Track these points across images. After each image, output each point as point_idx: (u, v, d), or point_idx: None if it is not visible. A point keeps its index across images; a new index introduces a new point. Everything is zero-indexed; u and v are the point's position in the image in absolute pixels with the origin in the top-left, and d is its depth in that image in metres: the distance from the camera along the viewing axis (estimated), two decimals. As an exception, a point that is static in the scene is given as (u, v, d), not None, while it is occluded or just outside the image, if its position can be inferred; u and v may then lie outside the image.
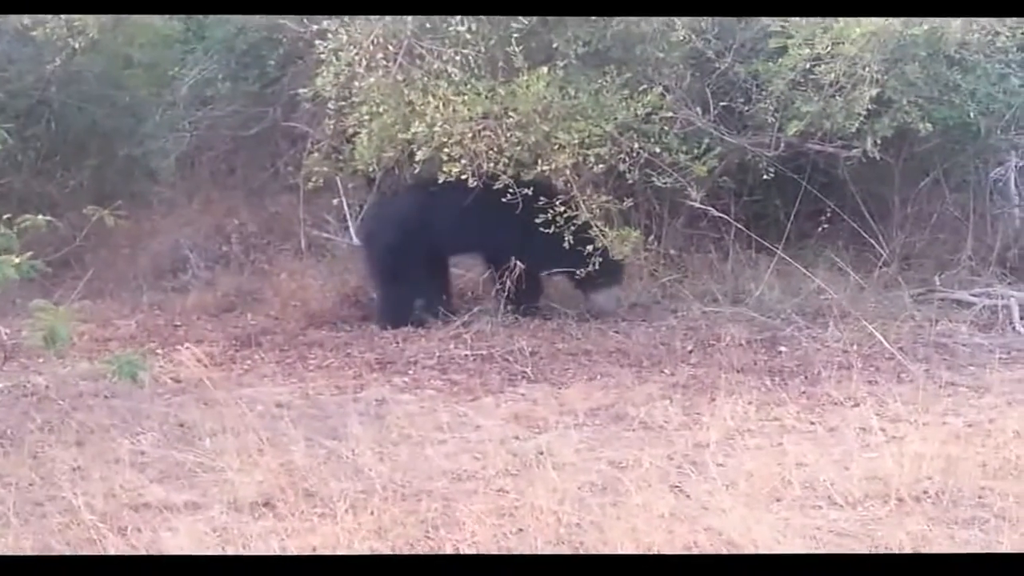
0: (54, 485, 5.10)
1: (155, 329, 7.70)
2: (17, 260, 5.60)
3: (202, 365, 6.80)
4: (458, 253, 8.03)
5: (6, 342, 6.74)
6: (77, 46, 8.32)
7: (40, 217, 5.97)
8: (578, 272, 7.33)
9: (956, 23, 7.14)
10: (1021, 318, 7.30)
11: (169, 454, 5.57)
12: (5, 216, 5.88)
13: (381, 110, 7.45)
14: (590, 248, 7.19)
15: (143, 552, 4.51)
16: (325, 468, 5.30)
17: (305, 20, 7.97)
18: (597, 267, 7.32)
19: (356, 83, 7.53)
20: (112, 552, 4.47)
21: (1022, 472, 5.09)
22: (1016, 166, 7.98)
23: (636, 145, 7.38)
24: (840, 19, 7.24)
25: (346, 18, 7.68)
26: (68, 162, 9.39)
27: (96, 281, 8.38)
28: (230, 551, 4.52)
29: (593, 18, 7.57)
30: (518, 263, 7.34)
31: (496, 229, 7.55)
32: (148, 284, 8.52)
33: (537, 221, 7.27)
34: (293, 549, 4.49)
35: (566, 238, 7.22)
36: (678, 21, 7.50)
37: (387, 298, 7.75)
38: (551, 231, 7.26)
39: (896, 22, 7.14)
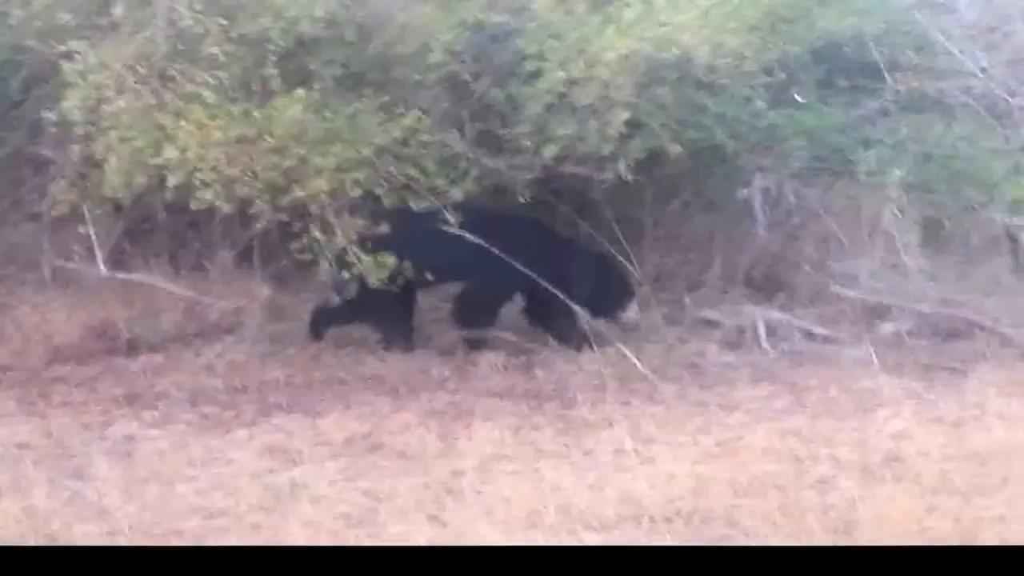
0: None
1: None
2: None
3: (-63, 404, 6.51)
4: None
5: None
6: None
7: None
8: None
9: (705, 48, 7.27)
10: (767, 336, 7.47)
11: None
12: None
13: (131, 135, 7.22)
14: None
15: None
16: (69, 511, 5.07)
17: (51, 42, 7.71)
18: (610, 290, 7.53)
19: (105, 107, 7.30)
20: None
21: (769, 489, 5.18)
22: (761, 188, 8.19)
23: (393, 169, 7.32)
24: (593, 43, 7.33)
25: (94, 39, 7.48)
26: None
27: None
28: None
29: (349, 40, 7.54)
30: None
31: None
32: None
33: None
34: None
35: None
36: (434, 44, 7.51)
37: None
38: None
39: (648, 46, 7.24)
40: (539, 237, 7.76)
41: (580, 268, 7.61)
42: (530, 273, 7.22)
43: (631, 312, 7.61)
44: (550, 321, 7.52)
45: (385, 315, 7.58)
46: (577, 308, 7.28)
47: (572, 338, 7.33)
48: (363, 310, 7.59)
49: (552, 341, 7.42)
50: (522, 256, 7.27)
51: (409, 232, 7.22)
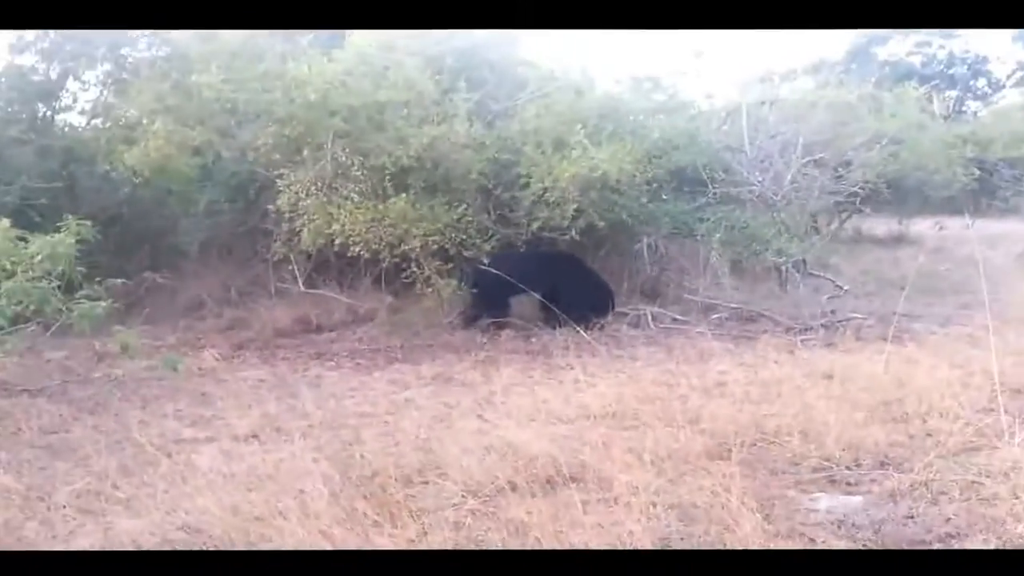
0: (128, 429, 4.75)
1: (186, 341, 7.24)
2: (105, 304, 5.40)
3: (214, 360, 6.50)
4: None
5: (99, 350, 6.31)
6: (137, 182, 7.92)
7: (118, 280, 5.70)
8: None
9: (614, 170, 7.20)
10: (652, 320, 7.39)
11: (197, 410, 5.25)
12: (97, 279, 5.57)
13: (315, 218, 7.32)
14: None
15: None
16: (287, 415, 5.03)
17: (270, 168, 7.75)
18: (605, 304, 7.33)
19: (301, 203, 7.41)
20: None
21: (656, 400, 4.98)
22: (647, 243, 8.12)
23: (453, 235, 7.36)
24: (556, 169, 7.23)
25: (292, 167, 7.52)
26: (133, 248, 8.71)
27: (152, 314, 7.83)
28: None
29: (428, 168, 7.52)
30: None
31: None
32: (182, 315, 7.99)
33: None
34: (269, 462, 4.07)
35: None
36: (473, 169, 7.51)
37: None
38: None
39: (585, 170, 7.17)
40: (574, 268, 7.53)
41: (595, 289, 7.46)
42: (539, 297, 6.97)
43: (609, 316, 7.40)
44: (546, 313, 7.25)
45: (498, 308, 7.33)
46: (554, 308, 6.98)
47: (552, 323, 7.19)
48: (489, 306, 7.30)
49: (540, 323, 7.31)
50: (556, 278, 7.11)
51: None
